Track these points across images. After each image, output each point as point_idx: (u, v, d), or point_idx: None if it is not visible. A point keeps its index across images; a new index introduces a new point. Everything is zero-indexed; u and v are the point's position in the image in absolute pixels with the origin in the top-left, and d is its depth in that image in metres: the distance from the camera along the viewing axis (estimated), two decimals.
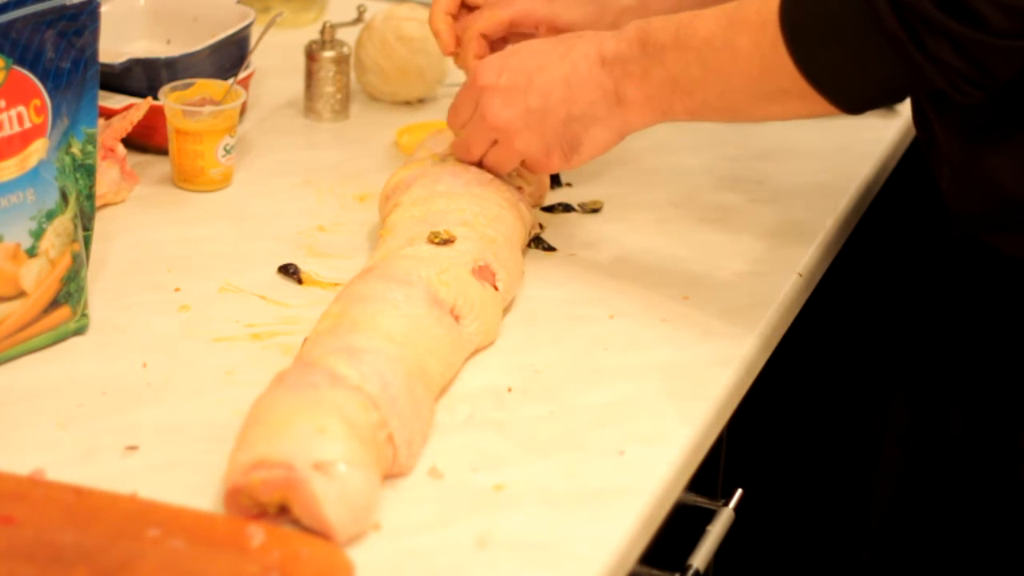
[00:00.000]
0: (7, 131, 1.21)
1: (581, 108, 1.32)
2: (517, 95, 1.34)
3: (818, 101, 1.21)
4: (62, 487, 1.09)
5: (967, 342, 1.42)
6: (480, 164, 1.40)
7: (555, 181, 1.56)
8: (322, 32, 1.68)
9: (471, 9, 1.50)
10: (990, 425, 1.39)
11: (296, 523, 1.08)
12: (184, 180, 1.54)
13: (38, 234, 1.24)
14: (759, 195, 1.57)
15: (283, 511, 1.08)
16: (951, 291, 1.44)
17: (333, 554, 1.05)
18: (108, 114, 1.52)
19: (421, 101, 1.73)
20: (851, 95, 1.21)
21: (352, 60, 1.70)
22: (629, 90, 1.30)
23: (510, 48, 1.39)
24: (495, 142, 1.37)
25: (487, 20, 1.47)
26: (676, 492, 1.19)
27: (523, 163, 1.39)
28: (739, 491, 1.37)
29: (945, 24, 1.12)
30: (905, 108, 1.73)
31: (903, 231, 1.83)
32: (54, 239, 1.25)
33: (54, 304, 1.26)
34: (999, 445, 1.38)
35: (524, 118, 1.34)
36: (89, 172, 1.28)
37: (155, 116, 1.53)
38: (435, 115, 1.70)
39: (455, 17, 1.50)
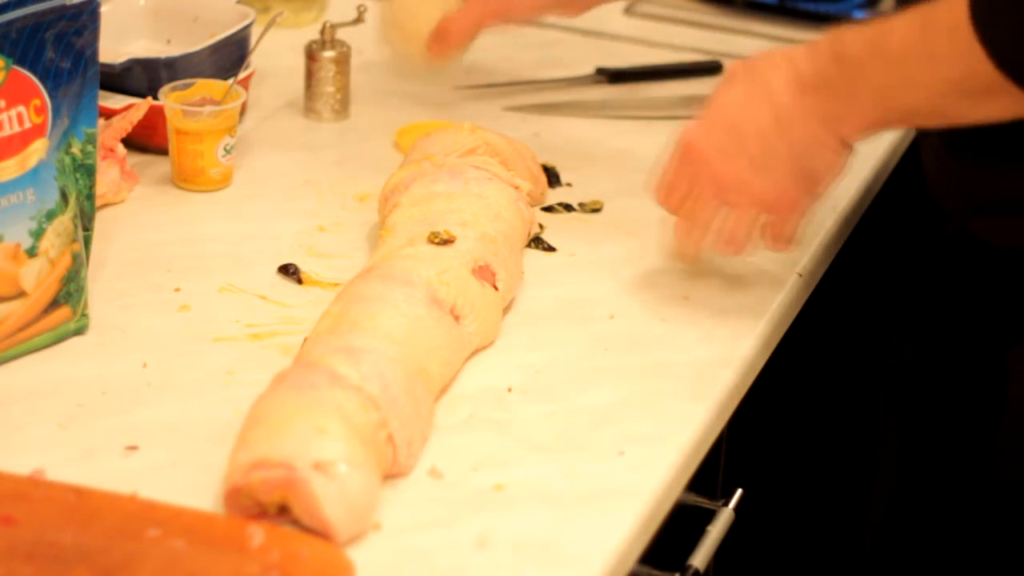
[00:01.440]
0: (7, 131, 1.21)
1: (802, 141, 1.27)
2: (732, 150, 1.29)
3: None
4: (62, 487, 1.09)
5: (967, 341, 1.42)
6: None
7: (555, 181, 1.56)
8: (322, 32, 1.68)
9: None
10: (990, 424, 1.39)
11: (296, 523, 1.08)
12: (184, 180, 1.54)
13: (38, 234, 1.24)
14: None
15: (283, 511, 1.08)
16: (951, 291, 1.44)
17: (333, 554, 1.05)
18: (108, 114, 1.52)
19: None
20: None
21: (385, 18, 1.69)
22: (839, 110, 1.25)
23: (703, 111, 1.32)
24: (725, 206, 1.31)
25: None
26: (676, 492, 1.19)
27: (769, 213, 1.32)
28: (739, 491, 1.37)
29: None
30: None
31: (903, 231, 1.83)
32: (54, 239, 1.25)
33: (54, 304, 1.26)
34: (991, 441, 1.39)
35: (750, 169, 1.29)
36: (89, 172, 1.28)
37: (155, 116, 1.53)
38: (434, 111, 1.70)
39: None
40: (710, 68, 1.82)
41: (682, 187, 1.33)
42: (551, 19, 1.96)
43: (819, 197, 1.32)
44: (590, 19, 1.85)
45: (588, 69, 1.82)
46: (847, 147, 1.29)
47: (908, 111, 1.26)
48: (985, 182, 1.27)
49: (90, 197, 1.29)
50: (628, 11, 1.98)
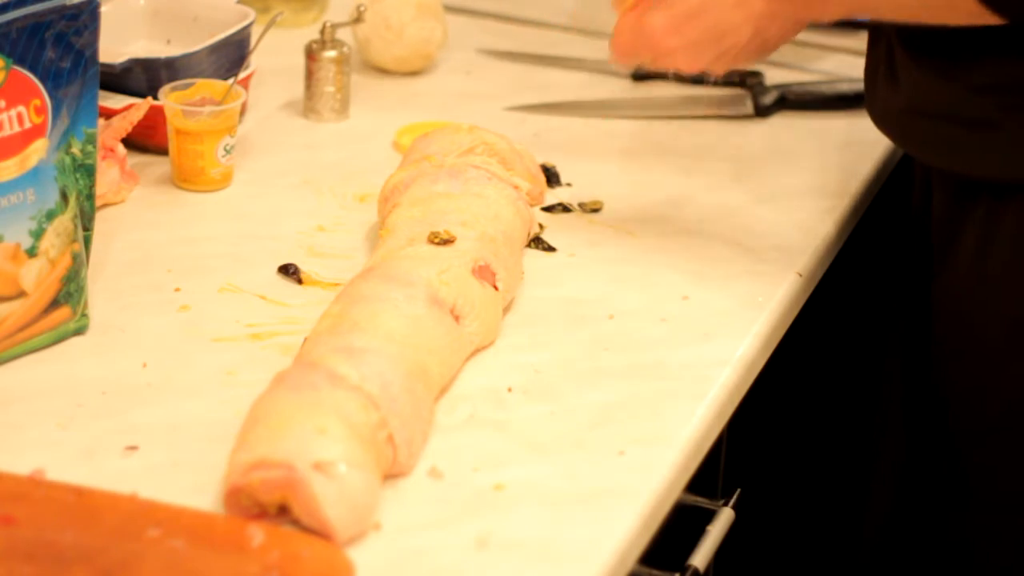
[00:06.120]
0: (7, 131, 1.21)
1: (770, 41, 1.35)
2: (697, 48, 1.35)
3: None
4: (62, 487, 1.09)
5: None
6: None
7: (555, 181, 1.56)
8: (322, 32, 1.68)
9: None
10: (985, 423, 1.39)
11: (296, 523, 1.08)
12: (184, 180, 1.54)
13: (38, 234, 1.24)
14: (759, 195, 1.57)
15: (283, 511, 1.08)
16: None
17: (333, 554, 1.05)
18: (108, 114, 1.52)
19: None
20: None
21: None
22: (810, 11, 1.34)
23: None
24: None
25: None
26: (676, 492, 1.19)
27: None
28: (739, 491, 1.38)
29: None
30: None
31: (903, 231, 1.83)
32: (54, 239, 1.25)
33: (54, 304, 1.26)
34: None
35: (711, 58, 1.36)
36: (89, 172, 1.28)
37: (155, 116, 1.53)
38: (434, 111, 1.70)
39: None
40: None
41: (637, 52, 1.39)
42: (551, 19, 1.96)
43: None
44: (590, 19, 1.85)
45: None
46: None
47: (872, 12, 1.34)
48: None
49: (90, 197, 1.29)
50: None
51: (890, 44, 1.36)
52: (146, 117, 1.51)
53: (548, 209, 1.52)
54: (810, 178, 1.60)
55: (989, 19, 1.23)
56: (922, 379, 1.46)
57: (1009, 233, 1.32)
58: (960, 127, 1.31)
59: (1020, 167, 1.30)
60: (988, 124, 1.29)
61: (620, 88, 1.80)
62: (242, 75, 1.59)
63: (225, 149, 1.53)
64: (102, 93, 1.38)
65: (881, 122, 1.41)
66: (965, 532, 1.43)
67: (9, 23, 1.19)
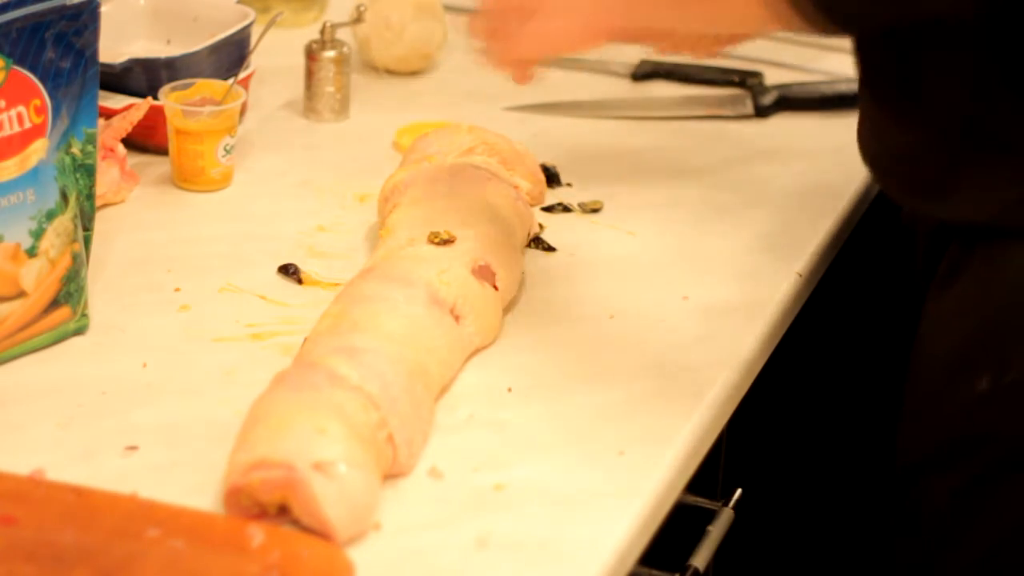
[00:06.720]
0: (7, 131, 1.21)
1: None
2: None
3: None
4: (62, 487, 1.09)
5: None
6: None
7: (555, 181, 1.56)
8: (322, 32, 1.68)
9: None
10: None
11: (296, 523, 1.08)
12: (184, 180, 1.54)
13: (38, 234, 1.24)
14: (759, 195, 1.57)
15: (283, 511, 1.08)
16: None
17: (333, 554, 1.05)
18: (108, 114, 1.52)
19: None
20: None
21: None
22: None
23: None
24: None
25: None
26: (676, 492, 1.19)
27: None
28: (739, 491, 1.38)
29: None
30: None
31: (903, 231, 1.83)
32: (54, 239, 1.25)
33: (54, 304, 1.26)
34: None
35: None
36: (89, 172, 1.28)
37: (155, 116, 1.53)
38: (434, 111, 1.70)
39: None
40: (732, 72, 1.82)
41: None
42: None
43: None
44: None
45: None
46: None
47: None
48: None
49: (90, 197, 1.29)
50: None
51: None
52: (146, 117, 1.51)
53: (548, 209, 1.52)
54: (810, 178, 1.60)
55: (796, 24, 1.17)
56: (896, 385, 1.46)
57: (973, 271, 1.29)
58: (924, 171, 1.28)
59: (983, 211, 1.26)
60: (950, 168, 1.26)
61: (620, 88, 1.81)
62: (242, 75, 1.59)
63: (225, 149, 1.53)
64: (102, 93, 1.38)
65: (865, 163, 1.39)
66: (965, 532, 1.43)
67: (9, 23, 1.19)
